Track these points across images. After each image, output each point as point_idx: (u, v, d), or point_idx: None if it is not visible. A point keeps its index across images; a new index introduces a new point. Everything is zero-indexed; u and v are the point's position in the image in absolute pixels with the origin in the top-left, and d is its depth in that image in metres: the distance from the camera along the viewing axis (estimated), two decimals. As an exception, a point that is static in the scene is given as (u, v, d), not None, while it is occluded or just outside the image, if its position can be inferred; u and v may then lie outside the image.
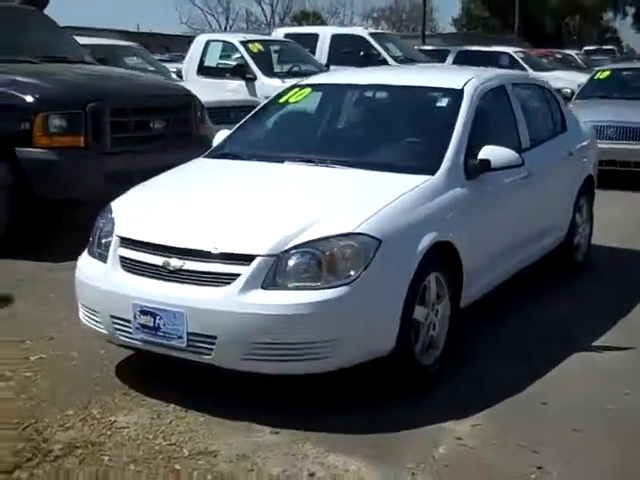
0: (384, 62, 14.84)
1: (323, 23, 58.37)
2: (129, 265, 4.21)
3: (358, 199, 4.31)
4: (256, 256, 3.90)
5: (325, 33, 15.38)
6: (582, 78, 22.38)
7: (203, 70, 12.63)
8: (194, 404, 4.14)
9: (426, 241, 4.23)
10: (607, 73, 13.27)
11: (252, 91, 12.03)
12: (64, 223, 8.06)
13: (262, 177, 4.81)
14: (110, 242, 4.36)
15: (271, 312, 3.82)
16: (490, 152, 4.82)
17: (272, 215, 4.19)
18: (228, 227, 4.13)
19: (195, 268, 3.99)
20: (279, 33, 15.96)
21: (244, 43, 12.50)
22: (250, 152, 5.20)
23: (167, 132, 7.49)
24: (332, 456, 3.67)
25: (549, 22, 59.45)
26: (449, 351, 4.56)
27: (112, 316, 4.19)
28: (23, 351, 4.88)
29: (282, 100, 5.64)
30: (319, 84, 5.74)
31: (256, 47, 12.54)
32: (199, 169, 5.14)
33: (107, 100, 6.98)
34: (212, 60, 12.89)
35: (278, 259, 3.90)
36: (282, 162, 4.95)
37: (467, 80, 5.30)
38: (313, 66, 13.32)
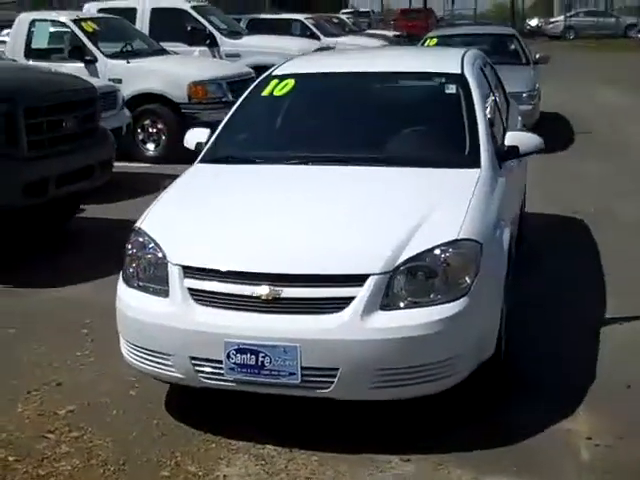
0: (211, 36, 14.34)
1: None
2: (205, 298, 3.71)
3: (435, 201, 4.05)
4: (369, 275, 3.58)
5: (144, 7, 14.44)
6: (375, 43, 23.15)
7: (31, 53, 11.44)
8: (288, 440, 3.76)
9: (507, 237, 4.10)
10: (435, 41, 13.56)
11: (94, 74, 11.10)
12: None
13: (304, 183, 4.39)
14: (165, 273, 3.83)
15: (398, 335, 3.52)
16: (517, 138, 4.75)
17: (364, 228, 3.85)
18: (322, 245, 3.74)
19: (296, 295, 3.59)
20: (91, 8, 14.83)
21: (77, 22, 11.44)
22: (262, 154, 4.75)
23: (77, 130, 6.73)
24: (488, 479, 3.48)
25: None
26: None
27: (192, 357, 3.70)
28: (38, 404, 4.22)
29: (265, 93, 5.18)
30: (302, 74, 5.31)
31: (90, 26, 11.52)
32: (218, 177, 4.58)
33: (19, 99, 6.12)
34: (41, 42, 11.70)
35: (391, 276, 3.60)
36: (306, 164, 4.58)
37: (460, 62, 5.17)
38: (145, 43, 12.55)
